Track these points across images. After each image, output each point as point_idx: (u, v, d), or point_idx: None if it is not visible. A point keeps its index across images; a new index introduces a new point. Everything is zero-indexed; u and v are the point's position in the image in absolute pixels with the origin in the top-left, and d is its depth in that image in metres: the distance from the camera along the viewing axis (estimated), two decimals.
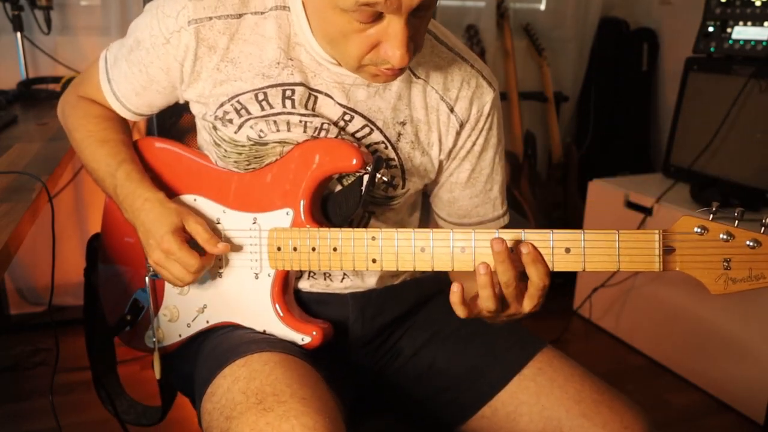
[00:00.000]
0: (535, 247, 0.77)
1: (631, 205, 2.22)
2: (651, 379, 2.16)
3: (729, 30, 2.11)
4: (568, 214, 2.72)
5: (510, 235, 0.79)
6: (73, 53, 2.13)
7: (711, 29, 2.16)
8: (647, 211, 2.15)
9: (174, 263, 0.87)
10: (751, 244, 0.74)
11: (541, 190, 2.71)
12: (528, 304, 0.81)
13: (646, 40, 2.80)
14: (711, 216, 0.76)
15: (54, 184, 1.18)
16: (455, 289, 0.79)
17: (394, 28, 0.74)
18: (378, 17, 0.74)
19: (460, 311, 0.81)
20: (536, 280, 0.78)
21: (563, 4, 2.75)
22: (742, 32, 2.07)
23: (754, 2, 2.04)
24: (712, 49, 2.15)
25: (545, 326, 2.41)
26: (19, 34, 1.97)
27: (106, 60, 0.99)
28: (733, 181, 2.05)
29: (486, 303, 0.79)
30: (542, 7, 2.80)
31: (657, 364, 2.22)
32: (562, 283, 2.65)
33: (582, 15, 2.76)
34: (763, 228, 0.74)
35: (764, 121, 1.98)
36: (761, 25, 2.02)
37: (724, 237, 0.75)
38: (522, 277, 0.79)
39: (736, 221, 0.75)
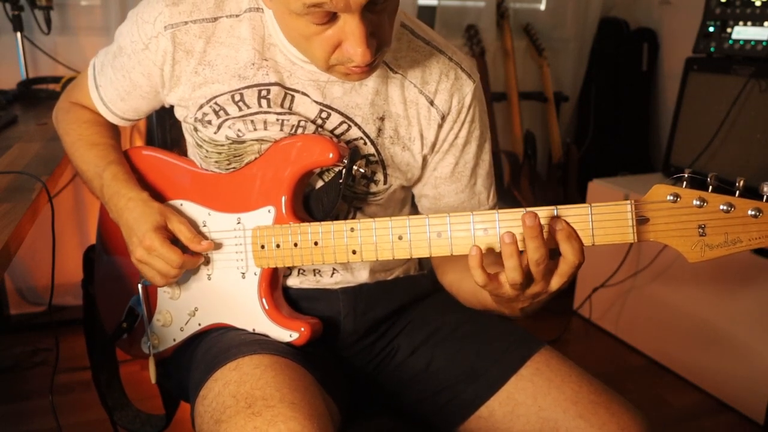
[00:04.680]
0: (569, 224, 0.74)
1: None
2: (651, 379, 2.16)
3: (729, 30, 2.10)
4: None
5: (487, 216, 0.78)
6: (73, 53, 2.13)
7: (711, 29, 2.16)
8: None
9: (156, 259, 0.89)
10: (725, 208, 0.72)
11: (541, 190, 2.71)
12: (557, 282, 0.76)
13: (646, 40, 2.80)
14: (684, 183, 0.74)
15: (54, 184, 1.19)
16: (474, 253, 0.75)
17: (350, 26, 0.74)
18: (333, 17, 0.74)
19: (479, 275, 0.76)
20: (571, 257, 0.74)
21: (563, 4, 2.75)
22: (742, 32, 2.06)
23: (754, 2, 2.04)
24: (712, 49, 2.15)
25: (545, 326, 2.41)
26: (19, 34, 1.97)
27: (94, 67, 1.02)
28: (733, 181, 2.05)
29: (512, 274, 0.74)
30: (542, 7, 2.80)
31: (657, 364, 2.22)
32: None
33: (582, 15, 2.75)
34: (737, 192, 0.72)
35: (764, 121, 1.98)
36: (761, 25, 2.01)
37: (698, 203, 0.73)
38: (550, 255, 0.75)
39: (710, 187, 0.73)
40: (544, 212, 0.76)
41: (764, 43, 2.00)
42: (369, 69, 0.80)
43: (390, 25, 0.79)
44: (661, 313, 2.18)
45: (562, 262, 0.76)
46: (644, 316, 2.25)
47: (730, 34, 2.10)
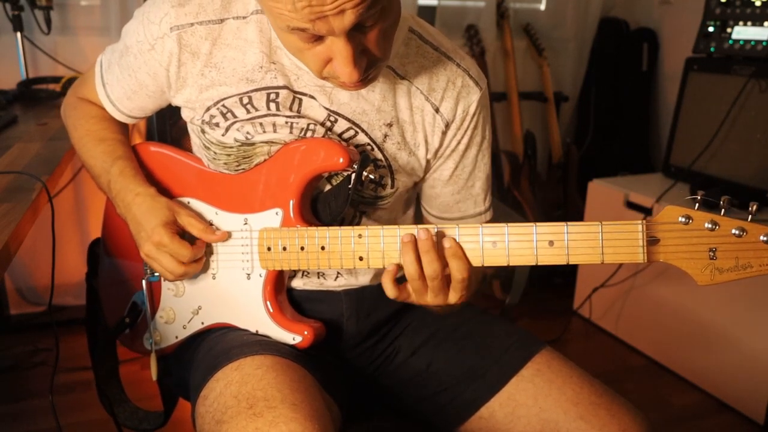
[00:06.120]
0: (456, 242, 0.79)
1: (631, 205, 2.22)
2: (651, 379, 2.16)
3: (729, 30, 2.10)
4: (568, 214, 2.72)
5: (491, 229, 0.80)
6: (73, 53, 2.13)
7: (711, 29, 2.16)
8: (647, 212, 2.15)
9: (165, 255, 0.88)
10: (737, 232, 0.72)
11: (541, 190, 2.71)
12: (453, 296, 0.82)
13: (646, 40, 2.80)
14: (696, 205, 0.74)
15: (54, 184, 1.18)
16: (390, 268, 0.82)
17: (337, 46, 0.73)
18: (321, 37, 0.74)
19: (390, 289, 0.82)
20: (456, 273, 0.80)
21: (563, 4, 2.75)
22: (742, 32, 2.06)
23: (754, 2, 2.04)
24: (712, 49, 2.15)
25: (545, 326, 2.41)
26: (19, 34, 1.97)
27: (102, 64, 1.01)
28: (733, 181, 2.05)
29: (409, 268, 0.80)
30: (542, 7, 2.80)
31: (657, 364, 2.22)
32: (562, 283, 2.65)
33: (582, 15, 2.75)
34: (749, 216, 0.72)
35: (764, 121, 1.98)
36: (761, 25, 2.01)
37: (709, 226, 0.73)
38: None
39: (722, 210, 0.73)
40: (551, 228, 0.77)
41: (764, 43, 2.00)
42: (362, 83, 0.80)
43: (385, 40, 0.78)
44: (661, 313, 2.18)
45: (451, 278, 0.81)
46: (644, 316, 2.25)
47: (730, 34, 2.10)
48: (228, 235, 0.92)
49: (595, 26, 2.79)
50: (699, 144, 2.13)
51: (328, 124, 0.91)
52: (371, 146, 0.92)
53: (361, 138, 0.92)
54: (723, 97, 2.08)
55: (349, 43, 0.72)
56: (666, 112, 2.78)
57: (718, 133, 2.07)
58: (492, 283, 2.58)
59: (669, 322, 2.15)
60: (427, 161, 0.96)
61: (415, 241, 0.80)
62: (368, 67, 0.77)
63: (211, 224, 0.94)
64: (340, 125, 0.91)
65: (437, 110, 0.93)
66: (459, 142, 0.96)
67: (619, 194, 2.26)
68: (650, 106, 2.87)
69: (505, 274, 2.55)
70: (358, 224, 0.98)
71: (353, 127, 0.91)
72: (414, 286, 0.82)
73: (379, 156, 0.93)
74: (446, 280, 0.81)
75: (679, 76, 2.27)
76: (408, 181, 0.97)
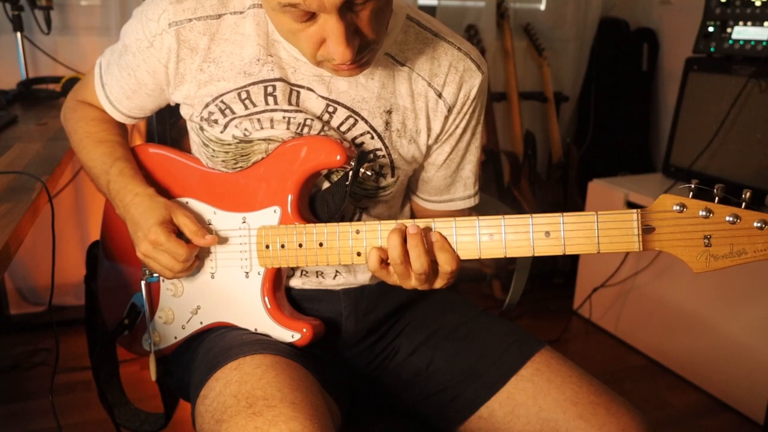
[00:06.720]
0: (442, 236, 0.81)
1: (631, 205, 2.22)
2: (651, 379, 2.16)
3: (729, 30, 2.10)
4: None
5: (487, 222, 0.81)
6: (73, 53, 2.13)
7: (711, 29, 2.16)
8: None
9: (162, 253, 0.89)
10: (731, 219, 0.73)
11: (541, 190, 2.71)
12: (439, 284, 0.85)
13: (646, 40, 2.80)
14: (690, 194, 0.75)
15: (54, 184, 1.18)
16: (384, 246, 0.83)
17: (329, 25, 0.74)
18: (314, 15, 0.74)
19: (374, 259, 0.83)
20: (445, 266, 0.82)
21: (563, 4, 2.75)
22: (742, 32, 2.06)
23: (754, 2, 2.04)
24: (712, 49, 2.15)
25: (545, 326, 2.42)
26: (19, 34, 1.97)
27: (101, 65, 1.02)
28: (733, 181, 2.05)
29: (393, 252, 0.81)
30: (542, 7, 2.80)
31: (657, 364, 2.22)
32: (562, 283, 2.65)
33: (582, 15, 2.75)
34: (743, 203, 0.73)
35: (764, 121, 1.98)
36: (761, 25, 2.01)
37: (704, 213, 0.74)
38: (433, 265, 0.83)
39: (716, 198, 0.74)
40: (547, 219, 0.77)
41: (764, 43, 2.00)
42: (357, 67, 0.80)
43: (378, 23, 0.78)
44: (661, 313, 2.18)
45: (439, 269, 0.83)
46: (644, 316, 2.25)
47: (730, 34, 2.10)
48: (217, 240, 0.92)
49: (595, 26, 2.79)
50: (699, 144, 2.13)
51: (326, 116, 0.91)
52: (371, 134, 0.93)
53: (361, 126, 0.92)
54: (723, 97, 2.08)
55: (341, 20, 0.73)
56: (666, 112, 2.78)
57: (718, 133, 2.07)
58: (492, 283, 2.58)
59: (669, 322, 2.15)
60: (428, 147, 0.97)
61: (403, 230, 0.81)
62: (361, 49, 0.78)
63: (210, 224, 0.95)
64: (339, 114, 0.91)
65: (440, 95, 0.94)
66: (457, 126, 0.97)
67: (619, 194, 2.26)
68: (650, 106, 2.87)
69: (505, 274, 2.55)
70: (357, 221, 0.98)
71: (353, 115, 0.91)
72: (397, 270, 0.83)
73: (379, 144, 0.93)
74: (433, 271, 0.83)
75: (679, 76, 2.27)
76: (408, 168, 0.98)
